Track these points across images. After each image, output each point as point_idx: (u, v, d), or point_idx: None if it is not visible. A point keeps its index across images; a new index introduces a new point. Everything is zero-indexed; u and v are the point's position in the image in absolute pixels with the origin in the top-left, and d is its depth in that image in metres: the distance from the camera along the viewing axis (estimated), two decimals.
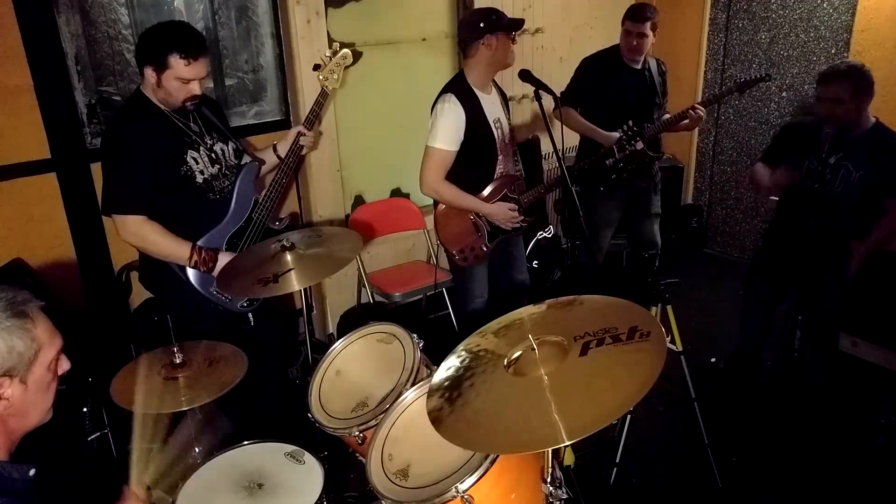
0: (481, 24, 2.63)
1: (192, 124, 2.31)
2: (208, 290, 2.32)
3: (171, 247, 2.24)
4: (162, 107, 2.24)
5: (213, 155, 2.33)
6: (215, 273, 2.26)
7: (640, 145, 3.10)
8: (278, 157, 2.57)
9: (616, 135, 3.14)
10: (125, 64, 2.95)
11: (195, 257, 2.25)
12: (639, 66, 3.37)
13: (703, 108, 3.25)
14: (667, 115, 3.34)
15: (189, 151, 2.26)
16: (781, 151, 2.87)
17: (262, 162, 2.60)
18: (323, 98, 2.57)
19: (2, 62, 2.58)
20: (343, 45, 2.66)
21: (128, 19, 2.91)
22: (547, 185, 2.88)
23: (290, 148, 2.53)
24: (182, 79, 2.16)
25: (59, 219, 2.83)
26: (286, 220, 2.57)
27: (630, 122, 3.08)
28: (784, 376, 3.09)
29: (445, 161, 2.68)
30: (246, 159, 2.49)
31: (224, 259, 2.30)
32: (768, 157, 2.94)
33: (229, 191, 2.38)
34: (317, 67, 2.63)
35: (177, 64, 2.13)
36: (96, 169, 2.88)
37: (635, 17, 3.27)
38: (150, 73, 2.16)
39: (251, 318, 2.48)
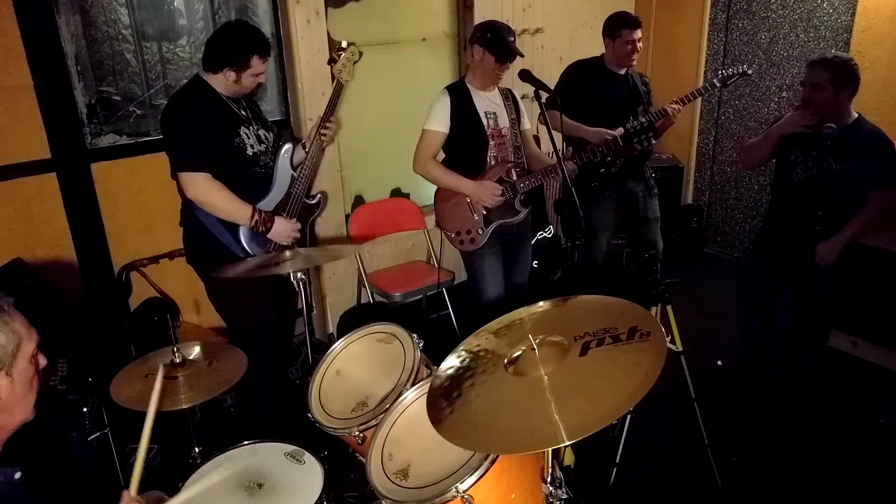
0: (478, 33, 2.82)
1: (241, 110, 2.53)
2: (259, 251, 2.50)
3: (234, 204, 2.42)
4: (219, 91, 2.45)
5: (259, 136, 2.56)
6: (272, 234, 2.49)
7: (652, 142, 3.09)
8: (305, 152, 2.73)
9: (603, 130, 3.14)
10: (125, 64, 2.95)
11: (256, 217, 2.45)
12: (623, 73, 3.41)
13: (678, 107, 3.25)
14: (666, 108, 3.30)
15: (241, 128, 2.48)
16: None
17: (298, 142, 2.77)
18: (339, 89, 2.73)
19: (2, 62, 2.58)
20: (348, 44, 2.74)
21: (128, 19, 2.91)
22: (544, 171, 2.87)
23: (311, 140, 2.71)
24: (258, 74, 2.45)
25: (59, 219, 2.83)
26: (319, 196, 2.79)
27: (643, 119, 3.05)
28: (784, 376, 3.09)
29: (434, 141, 2.88)
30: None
31: (279, 221, 2.51)
32: None
33: (271, 167, 2.59)
34: (332, 62, 2.76)
35: (256, 63, 2.42)
36: (96, 169, 2.89)
37: (633, 24, 3.28)
38: (229, 73, 2.40)
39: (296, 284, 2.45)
